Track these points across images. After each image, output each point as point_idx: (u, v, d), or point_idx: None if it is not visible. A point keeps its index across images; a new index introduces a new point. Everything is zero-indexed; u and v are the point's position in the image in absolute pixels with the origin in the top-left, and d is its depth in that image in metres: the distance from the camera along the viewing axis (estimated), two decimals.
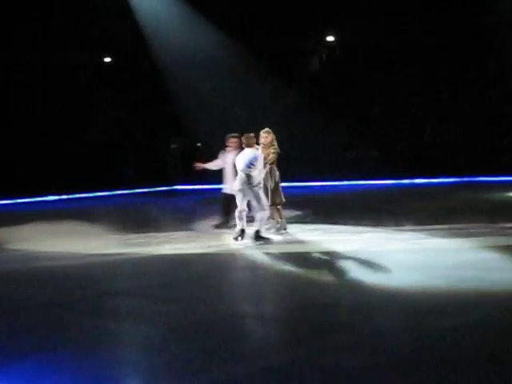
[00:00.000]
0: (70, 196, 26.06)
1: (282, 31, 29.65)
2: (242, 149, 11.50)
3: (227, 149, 12.98)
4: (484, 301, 6.52)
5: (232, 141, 12.96)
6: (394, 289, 7.20)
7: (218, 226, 12.84)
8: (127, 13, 28.14)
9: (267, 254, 9.99)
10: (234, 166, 11.55)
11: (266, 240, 10.95)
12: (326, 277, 8.16)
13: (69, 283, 8.48)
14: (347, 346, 5.33)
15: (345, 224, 12.90)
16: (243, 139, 11.60)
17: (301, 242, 11.17)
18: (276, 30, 29.50)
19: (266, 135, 12.23)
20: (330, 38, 32.70)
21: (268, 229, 11.66)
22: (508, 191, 19.69)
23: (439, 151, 29.19)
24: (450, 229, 11.52)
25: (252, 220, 11.21)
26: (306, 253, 9.98)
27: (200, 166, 13.60)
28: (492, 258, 8.75)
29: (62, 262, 10.08)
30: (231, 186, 11.73)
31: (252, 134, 11.69)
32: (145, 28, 28.93)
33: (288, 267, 8.95)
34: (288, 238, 11.60)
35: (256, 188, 10.95)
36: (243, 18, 28.75)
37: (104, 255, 10.56)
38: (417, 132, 30.63)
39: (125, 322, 6.46)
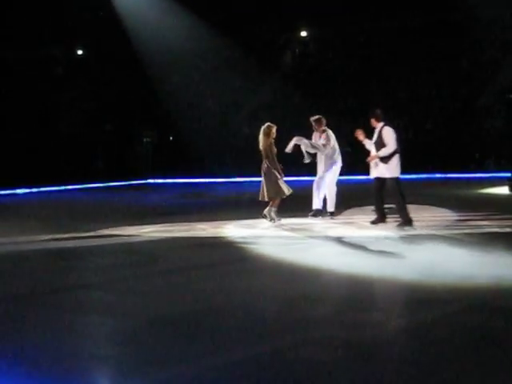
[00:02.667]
0: (41, 189, 25.80)
1: (256, 25, 29.61)
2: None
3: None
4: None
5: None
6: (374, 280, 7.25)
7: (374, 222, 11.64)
8: (100, 4, 27.88)
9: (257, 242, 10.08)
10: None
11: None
12: (312, 267, 8.20)
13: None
14: (323, 339, 5.36)
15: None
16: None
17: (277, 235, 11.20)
18: (251, 25, 29.45)
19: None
20: (304, 33, 32.72)
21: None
22: (479, 188, 19.91)
23: (412, 147, 29.39)
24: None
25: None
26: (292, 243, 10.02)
27: (360, 135, 11.97)
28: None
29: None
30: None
31: None
32: (118, 20, 28.67)
33: (275, 258, 8.98)
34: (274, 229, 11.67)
35: None
36: (219, 11, 28.62)
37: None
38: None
39: (91, 315, 6.41)
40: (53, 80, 29.74)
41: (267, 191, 12.22)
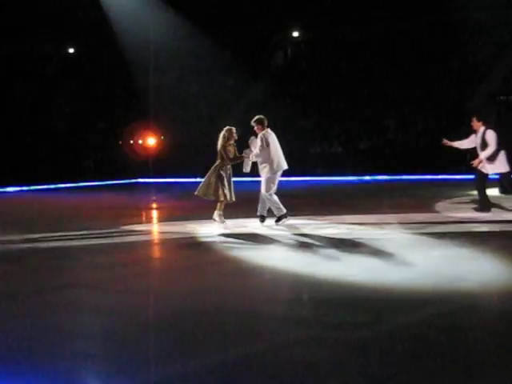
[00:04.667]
0: (31, 187, 25.72)
1: (247, 27, 29.65)
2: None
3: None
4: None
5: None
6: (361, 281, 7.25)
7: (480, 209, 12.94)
8: (92, 4, 27.85)
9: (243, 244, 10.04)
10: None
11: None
12: (301, 269, 8.19)
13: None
14: (309, 340, 5.36)
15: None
16: None
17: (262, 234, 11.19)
18: (241, 26, 29.49)
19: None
20: (295, 34, 32.78)
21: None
22: (470, 189, 19.94)
23: (401, 149, 29.49)
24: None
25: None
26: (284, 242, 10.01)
27: (448, 142, 13.53)
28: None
29: None
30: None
31: None
32: (110, 20, 28.66)
33: (263, 258, 8.97)
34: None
35: None
36: (209, 12, 28.63)
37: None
38: (380, 129, 30.89)
39: (80, 314, 6.38)
40: (44, 78, 29.67)
41: (200, 186, 12.30)
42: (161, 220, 14.62)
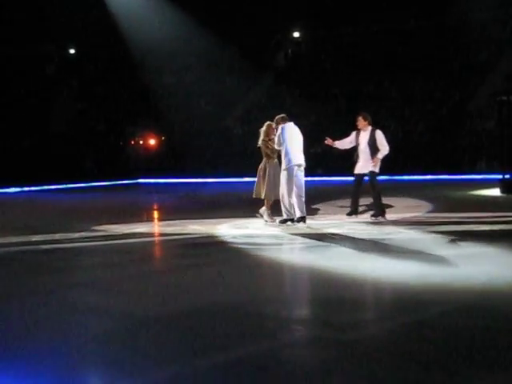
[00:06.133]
0: (32, 188, 25.72)
1: (249, 26, 29.64)
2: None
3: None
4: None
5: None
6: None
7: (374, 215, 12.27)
8: (94, 4, 27.84)
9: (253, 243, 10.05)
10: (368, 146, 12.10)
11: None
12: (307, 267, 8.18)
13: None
14: (314, 340, 5.35)
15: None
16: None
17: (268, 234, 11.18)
18: (244, 24, 29.47)
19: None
20: (296, 34, 32.78)
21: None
22: (470, 189, 19.95)
23: (405, 149, 29.46)
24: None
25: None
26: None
27: (329, 142, 12.72)
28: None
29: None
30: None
31: None
32: (112, 20, 28.63)
33: (272, 258, 8.95)
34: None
35: None
36: (212, 12, 28.61)
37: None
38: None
39: (80, 314, 6.37)
40: (44, 79, 29.65)
41: (260, 189, 12.29)
42: (161, 220, 14.58)
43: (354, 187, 12.52)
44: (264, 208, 12.32)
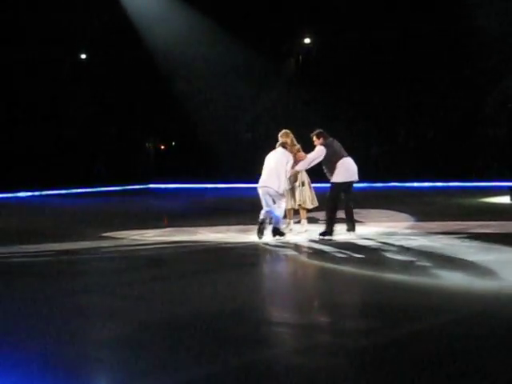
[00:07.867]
0: (43, 192, 25.83)
1: (259, 33, 29.58)
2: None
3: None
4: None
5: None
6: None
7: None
8: (105, 8, 27.86)
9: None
10: None
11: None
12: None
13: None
14: (320, 346, 5.35)
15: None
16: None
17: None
18: (256, 30, 29.40)
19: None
20: (307, 40, 32.74)
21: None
22: (481, 197, 19.86)
23: (413, 155, 29.38)
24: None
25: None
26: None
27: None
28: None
29: None
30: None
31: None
32: (125, 24, 28.60)
33: (276, 264, 8.97)
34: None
35: None
36: (224, 16, 28.54)
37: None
38: (391, 136, 30.80)
39: (92, 319, 6.40)
40: (57, 83, 29.74)
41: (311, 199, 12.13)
42: (171, 226, 14.53)
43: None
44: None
